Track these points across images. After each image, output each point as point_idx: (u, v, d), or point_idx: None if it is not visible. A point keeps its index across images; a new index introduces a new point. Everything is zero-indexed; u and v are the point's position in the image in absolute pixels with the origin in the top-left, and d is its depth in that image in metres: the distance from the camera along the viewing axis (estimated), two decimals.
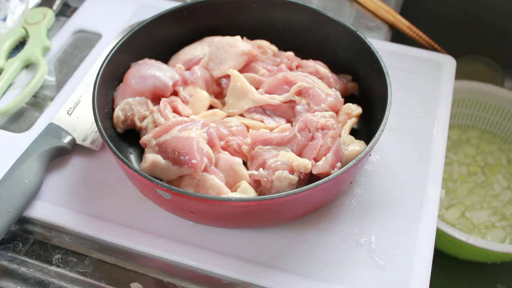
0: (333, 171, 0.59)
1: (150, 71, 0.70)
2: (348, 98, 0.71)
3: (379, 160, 0.71)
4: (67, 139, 0.70)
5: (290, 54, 0.74)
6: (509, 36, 1.15)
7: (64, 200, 0.67)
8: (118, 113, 0.68)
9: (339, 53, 0.74)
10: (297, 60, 0.73)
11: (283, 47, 0.77)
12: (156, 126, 0.66)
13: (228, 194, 0.59)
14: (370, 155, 0.65)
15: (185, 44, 0.77)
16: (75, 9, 0.94)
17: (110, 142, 0.59)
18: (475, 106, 1.16)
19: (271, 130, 0.66)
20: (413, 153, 0.71)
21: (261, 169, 0.61)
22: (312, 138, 0.63)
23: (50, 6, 0.91)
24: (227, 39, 0.73)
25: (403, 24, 0.93)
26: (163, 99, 0.68)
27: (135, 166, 0.63)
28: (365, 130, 0.68)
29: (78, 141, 0.71)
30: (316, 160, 0.61)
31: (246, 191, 0.60)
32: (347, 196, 0.67)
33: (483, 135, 1.19)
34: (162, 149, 0.62)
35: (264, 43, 0.76)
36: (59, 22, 0.92)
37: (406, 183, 0.68)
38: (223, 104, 0.72)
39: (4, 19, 0.90)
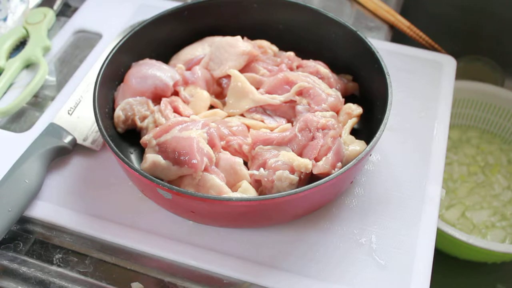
0: (333, 171, 0.59)
1: (150, 71, 0.70)
2: (348, 98, 0.71)
3: (380, 160, 0.71)
4: (67, 139, 0.70)
5: (291, 54, 0.74)
6: (509, 36, 1.15)
7: (65, 200, 0.67)
8: (119, 113, 0.68)
9: (340, 53, 0.74)
10: (297, 60, 0.73)
11: (283, 47, 0.77)
12: (156, 126, 0.66)
13: (229, 194, 0.59)
14: (370, 155, 0.65)
15: (185, 44, 0.77)
16: (75, 9, 0.94)
17: (111, 142, 0.59)
18: (475, 106, 1.16)
19: (271, 130, 0.66)
20: (413, 153, 0.71)
21: (261, 169, 0.61)
22: (313, 138, 0.63)
23: (51, 6, 0.91)
24: (228, 39, 0.73)
25: (403, 24, 0.93)
26: (163, 99, 0.68)
27: (135, 166, 0.63)
28: (366, 130, 0.68)
29: (79, 141, 0.71)
30: (316, 160, 0.61)
31: (246, 191, 0.60)
32: (348, 195, 0.67)
33: (483, 135, 1.19)
34: (162, 149, 0.62)
35: (265, 43, 0.76)
36: (59, 22, 0.92)
37: (406, 183, 0.68)
38: (224, 104, 0.72)
39: (5, 19, 0.90)
